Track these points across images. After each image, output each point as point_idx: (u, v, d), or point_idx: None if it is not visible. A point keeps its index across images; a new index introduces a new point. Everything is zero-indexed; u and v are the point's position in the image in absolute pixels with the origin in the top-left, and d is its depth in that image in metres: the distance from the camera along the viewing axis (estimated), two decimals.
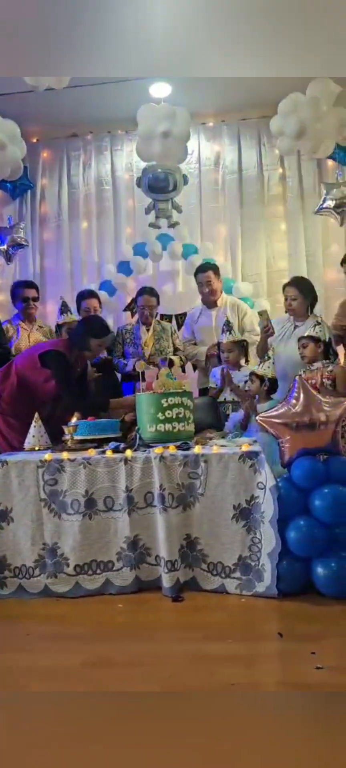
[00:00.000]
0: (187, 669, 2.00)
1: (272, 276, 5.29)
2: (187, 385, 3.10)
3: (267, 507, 2.56)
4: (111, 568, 2.71)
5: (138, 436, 2.91)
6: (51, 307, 5.28)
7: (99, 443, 2.99)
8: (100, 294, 4.73)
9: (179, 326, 4.87)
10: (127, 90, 4.71)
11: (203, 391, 4.26)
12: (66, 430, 2.99)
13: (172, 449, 2.75)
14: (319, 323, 3.48)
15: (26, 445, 3.04)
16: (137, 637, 2.27)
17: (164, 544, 2.63)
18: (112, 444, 2.91)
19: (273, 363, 3.43)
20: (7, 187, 5.29)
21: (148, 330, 4.36)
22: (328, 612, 2.39)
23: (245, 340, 3.99)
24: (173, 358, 4.16)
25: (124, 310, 5.17)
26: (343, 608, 2.40)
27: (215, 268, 4.53)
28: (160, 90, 4.84)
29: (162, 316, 4.75)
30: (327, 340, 3.47)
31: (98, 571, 2.71)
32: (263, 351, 3.72)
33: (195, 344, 4.54)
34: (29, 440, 3.04)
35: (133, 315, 4.94)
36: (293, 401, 2.69)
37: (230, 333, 3.82)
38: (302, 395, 2.67)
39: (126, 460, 2.72)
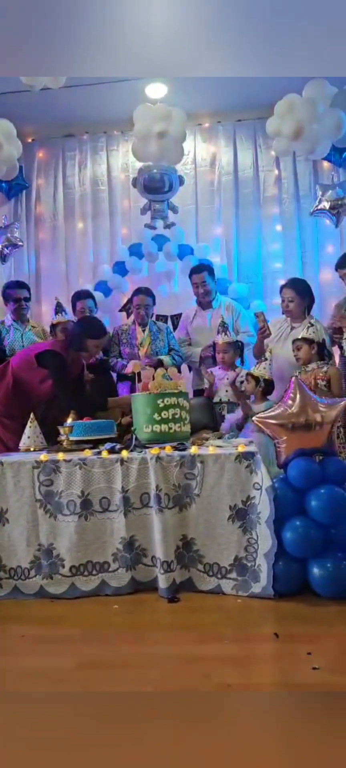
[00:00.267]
0: (183, 670, 2.00)
1: (268, 277, 5.30)
2: (182, 386, 3.10)
3: (263, 507, 2.56)
4: (107, 569, 2.70)
5: (134, 436, 2.91)
6: (46, 308, 5.27)
7: (95, 444, 2.98)
8: (95, 294, 4.73)
9: (175, 327, 4.88)
10: (124, 90, 4.71)
11: (198, 392, 4.26)
12: (61, 430, 2.99)
13: (168, 450, 2.74)
14: (312, 324, 3.49)
15: (21, 446, 3.04)
16: (133, 638, 2.26)
17: (160, 545, 2.62)
18: (108, 444, 2.90)
19: (270, 364, 3.44)
20: (3, 186, 5.29)
21: (143, 330, 4.36)
22: (324, 612, 2.39)
23: (240, 341, 4.00)
24: (162, 358, 4.17)
25: (120, 310, 5.16)
26: (339, 609, 2.40)
27: (210, 269, 4.54)
28: (157, 90, 4.85)
29: (157, 317, 4.75)
30: (321, 341, 3.47)
31: (94, 572, 2.70)
32: (260, 352, 3.73)
33: (190, 345, 4.54)
34: (24, 441, 3.04)
35: (128, 315, 4.93)
36: (289, 402, 2.69)
37: (226, 334, 3.83)
38: (298, 396, 2.68)
39: (122, 461, 2.71)
